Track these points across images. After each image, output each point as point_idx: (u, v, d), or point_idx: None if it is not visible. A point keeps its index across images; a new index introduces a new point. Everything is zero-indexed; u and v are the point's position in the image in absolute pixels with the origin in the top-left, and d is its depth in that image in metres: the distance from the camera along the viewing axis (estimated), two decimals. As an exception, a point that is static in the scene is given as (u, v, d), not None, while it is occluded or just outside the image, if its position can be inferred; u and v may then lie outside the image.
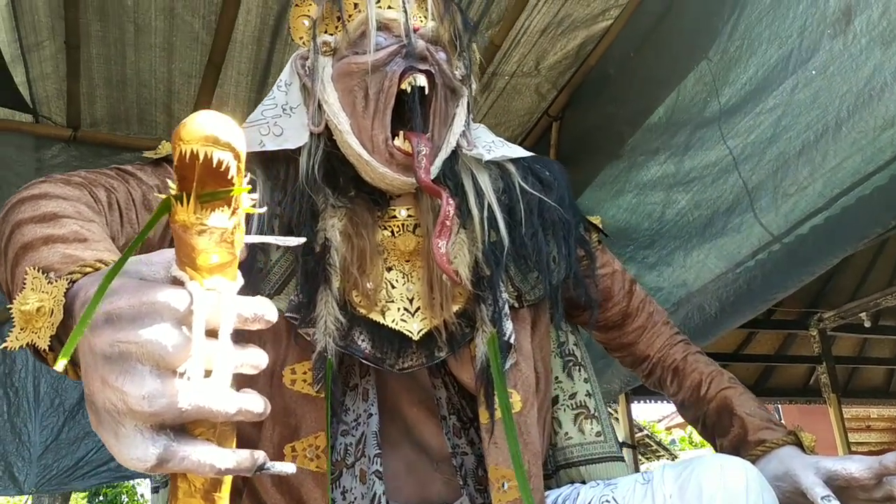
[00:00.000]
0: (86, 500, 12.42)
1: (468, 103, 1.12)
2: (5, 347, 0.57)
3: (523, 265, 1.08)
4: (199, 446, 0.48)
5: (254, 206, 0.47)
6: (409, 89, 1.02)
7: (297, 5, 1.14)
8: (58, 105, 2.24)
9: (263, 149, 1.05)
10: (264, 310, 0.50)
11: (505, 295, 1.04)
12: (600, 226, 1.27)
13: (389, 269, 1.03)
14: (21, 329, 0.57)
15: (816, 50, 1.62)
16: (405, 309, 1.01)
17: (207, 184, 0.44)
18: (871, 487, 0.99)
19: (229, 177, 0.44)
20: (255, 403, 0.49)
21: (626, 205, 2.36)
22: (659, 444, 12.07)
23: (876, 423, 7.60)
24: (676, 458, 11.48)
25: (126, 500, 12.79)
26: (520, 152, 1.18)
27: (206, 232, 0.45)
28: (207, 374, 0.47)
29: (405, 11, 1.05)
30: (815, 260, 1.92)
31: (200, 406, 0.46)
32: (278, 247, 1.01)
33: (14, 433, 2.60)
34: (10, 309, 0.59)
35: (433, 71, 1.03)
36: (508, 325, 1.02)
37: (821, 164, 1.69)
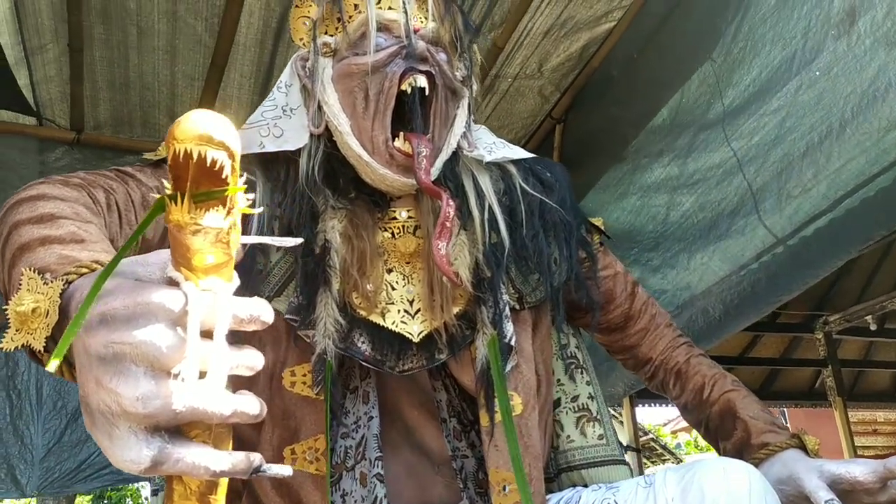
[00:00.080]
0: (90, 502, 12.44)
1: (469, 104, 1.11)
2: (1, 349, 0.57)
3: (524, 267, 1.08)
4: (194, 448, 0.47)
5: (250, 205, 0.47)
6: (409, 90, 1.01)
7: (297, 6, 1.14)
8: (61, 108, 2.25)
9: (263, 150, 1.04)
10: (260, 311, 0.50)
11: (506, 297, 1.03)
12: (602, 227, 1.27)
13: (390, 271, 1.03)
14: (16, 330, 0.57)
15: (820, 51, 1.62)
16: (405, 311, 1.01)
17: (202, 183, 0.44)
18: (876, 491, 0.98)
19: (223, 176, 0.43)
20: (250, 405, 0.49)
21: (629, 207, 2.36)
22: (664, 447, 12.03)
23: (882, 426, 7.55)
24: (682, 461, 11.44)
25: (130, 502, 12.81)
26: (521, 153, 1.18)
27: (200, 232, 0.45)
28: (202, 375, 0.47)
29: (405, 12, 1.05)
30: (819, 262, 1.92)
31: (195, 407, 0.46)
32: (278, 248, 1.00)
33: (16, 436, 2.61)
34: (6, 310, 0.58)
35: (433, 72, 1.03)
36: (509, 327, 1.01)
37: (825, 166, 1.68)
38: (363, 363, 0.99)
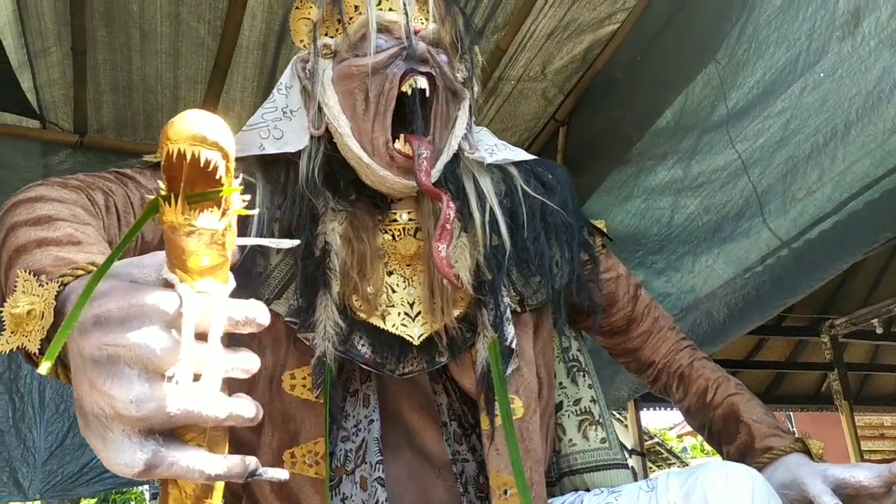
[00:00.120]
0: (95, 505, 12.45)
1: (470, 106, 1.11)
2: None
3: (525, 269, 1.07)
4: (189, 452, 0.47)
5: (246, 207, 0.46)
6: (409, 92, 1.01)
7: (297, 8, 1.14)
8: (64, 111, 2.25)
9: (263, 152, 1.04)
10: (256, 313, 0.49)
11: (507, 299, 1.03)
12: (604, 230, 1.26)
13: (390, 274, 1.02)
14: (11, 332, 0.57)
15: (825, 52, 1.61)
16: (406, 313, 1.00)
17: (196, 184, 0.43)
18: (881, 496, 0.97)
19: (217, 177, 0.43)
20: (246, 408, 0.48)
21: (634, 210, 2.35)
22: (670, 451, 11.99)
23: (889, 430, 7.51)
24: (688, 465, 11.40)
25: (135, 505, 12.80)
26: (522, 155, 1.17)
27: (195, 233, 0.45)
28: (197, 378, 0.46)
29: (406, 13, 1.05)
30: (823, 265, 1.91)
31: (189, 410, 0.45)
32: (278, 251, 1.00)
33: (19, 439, 2.60)
34: (1, 313, 0.58)
35: (434, 73, 1.03)
36: (510, 330, 1.01)
37: (829, 168, 1.67)
38: (363, 366, 0.98)
